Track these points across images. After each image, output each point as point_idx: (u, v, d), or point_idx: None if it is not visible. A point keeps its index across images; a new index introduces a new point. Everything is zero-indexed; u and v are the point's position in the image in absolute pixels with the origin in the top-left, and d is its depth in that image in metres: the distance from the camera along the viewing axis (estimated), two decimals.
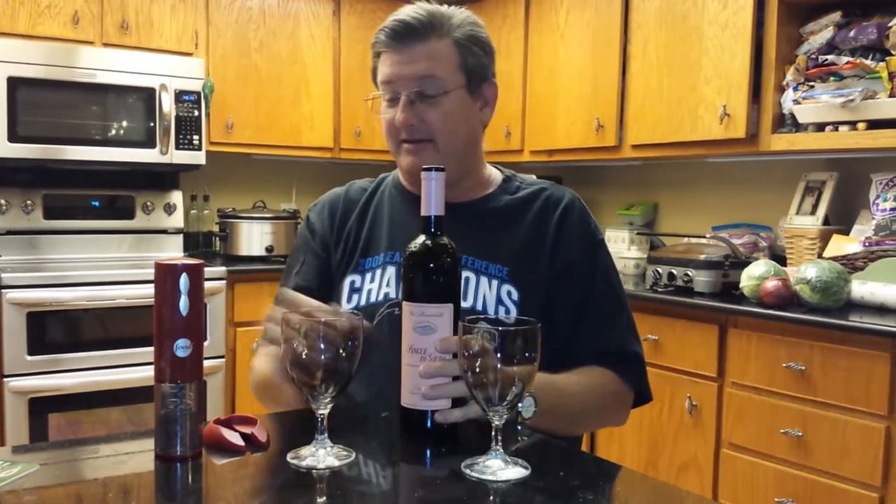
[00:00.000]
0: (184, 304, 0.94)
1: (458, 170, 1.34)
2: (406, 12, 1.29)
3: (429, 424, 1.03)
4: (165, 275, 0.94)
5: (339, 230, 1.43)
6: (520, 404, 1.07)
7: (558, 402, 1.16)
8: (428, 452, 1.03)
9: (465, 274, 1.30)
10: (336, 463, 0.93)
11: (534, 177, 1.52)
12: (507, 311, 1.29)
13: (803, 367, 2.31)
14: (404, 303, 1.04)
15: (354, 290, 1.36)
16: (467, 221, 1.34)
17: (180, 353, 0.94)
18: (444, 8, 1.32)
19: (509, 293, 1.31)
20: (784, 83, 2.72)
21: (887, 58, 2.44)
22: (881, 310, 2.35)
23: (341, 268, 1.41)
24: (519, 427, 1.10)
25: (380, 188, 1.47)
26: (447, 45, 1.29)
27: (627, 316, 1.38)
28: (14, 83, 3.05)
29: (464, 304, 1.28)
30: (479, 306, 1.30)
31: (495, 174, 1.45)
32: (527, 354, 0.92)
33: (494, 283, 1.31)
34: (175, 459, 0.94)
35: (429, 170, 1.05)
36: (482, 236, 1.34)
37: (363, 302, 1.34)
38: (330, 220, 1.44)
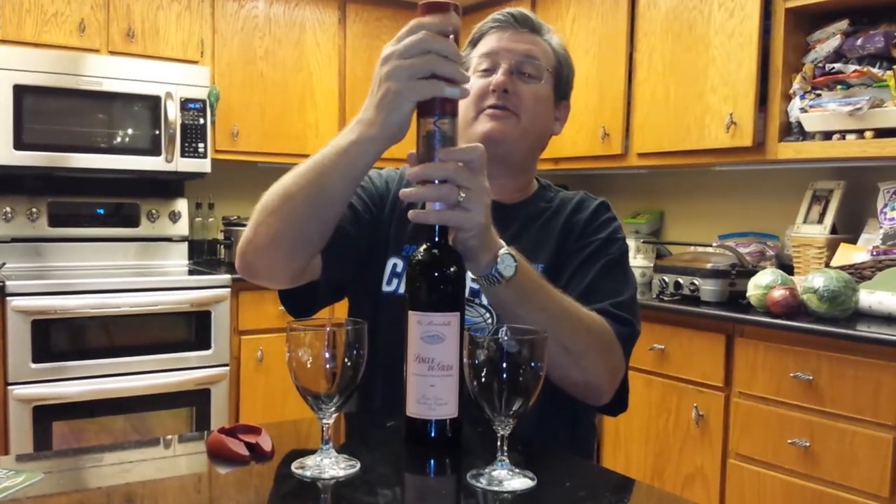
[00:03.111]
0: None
1: (522, 158, 1.39)
2: (521, 8, 1.41)
3: (433, 434, 1.02)
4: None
5: (392, 204, 1.39)
6: (497, 264, 1.06)
7: (540, 287, 1.13)
8: (433, 462, 1.02)
9: None
10: (341, 473, 0.93)
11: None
12: None
13: (811, 377, 2.29)
14: (410, 312, 1.03)
15: (396, 274, 1.34)
16: (506, 222, 1.34)
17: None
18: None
19: None
20: (791, 91, 2.71)
21: (894, 66, 2.43)
22: (889, 319, 2.34)
23: (387, 244, 1.36)
24: (497, 282, 1.07)
25: None
26: (549, 47, 1.40)
27: (631, 298, 1.32)
28: (20, 91, 3.06)
29: None
30: None
31: (534, 182, 1.48)
32: (532, 364, 0.92)
33: None
34: None
35: None
36: (519, 237, 1.35)
37: (402, 290, 1.31)
38: (385, 188, 1.41)
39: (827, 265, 2.69)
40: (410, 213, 1.02)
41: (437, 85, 0.99)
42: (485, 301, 1.30)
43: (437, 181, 1.00)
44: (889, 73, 2.44)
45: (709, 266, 2.75)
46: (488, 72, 1.35)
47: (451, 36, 1.02)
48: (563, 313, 1.16)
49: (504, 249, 1.08)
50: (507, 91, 1.32)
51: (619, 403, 1.30)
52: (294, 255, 1.18)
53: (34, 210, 3.38)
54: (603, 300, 1.26)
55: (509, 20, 1.37)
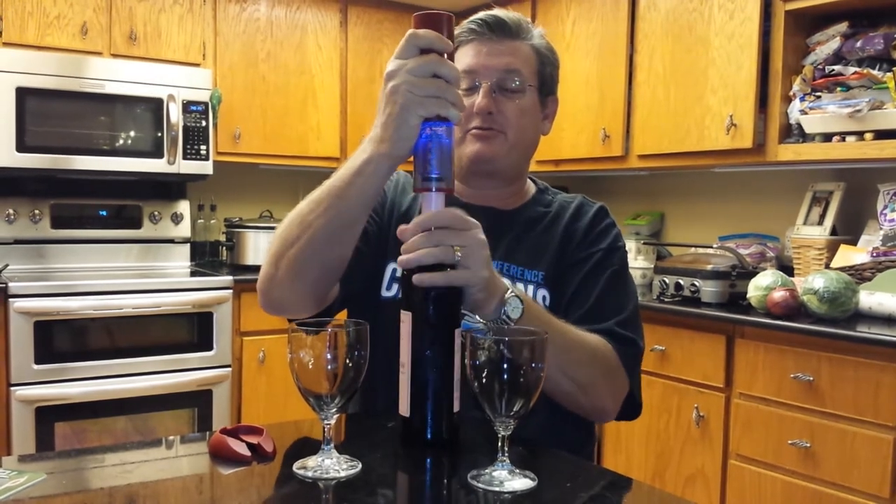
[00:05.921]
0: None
1: (514, 170, 1.38)
2: (496, 11, 1.36)
3: (429, 436, 1.03)
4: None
5: (390, 209, 1.39)
6: (505, 306, 1.07)
7: (545, 323, 1.13)
8: (434, 462, 1.03)
9: None
10: (342, 473, 0.93)
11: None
12: None
13: (811, 378, 2.30)
14: (403, 312, 1.03)
15: (395, 279, 1.33)
16: (504, 229, 1.35)
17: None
18: (525, 18, 1.39)
19: (544, 298, 1.31)
20: (791, 93, 2.72)
21: (894, 68, 2.44)
22: (889, 320, 2.34)
23: (387, 249, 1.34)
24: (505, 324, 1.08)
25: None
26: (529, 48, 1.36)
27: (633, 311, 1.33)
28: (23, 93, 3.07)
29: None
30: None
31: (530, 185, 1.47)
32: (534, 365, 0.92)
33: (530, 287, 1.31)
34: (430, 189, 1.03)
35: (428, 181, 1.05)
36: (518, 243, 1.35)
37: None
38: (384, 195, 1.40)
39: (827, 266, 2.69)
40: (415, 277, 1.01)
41: (443, 103, 1.00)
42: None
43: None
44: (889, 74, 2.44)
45: (709, 267, 2.75)
46: (469, 91, 1.33)
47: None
48: (568, 345, 1.17)
49: (510, 292, 1.08)
50: (491, 112, 1.31)
51: (627, 414, 1.32)
52: (319, 282, 1.18)
53: (37, 212, 3.38)
54: (608, 318, 1.27)
55: (484, 30, 1.33)
